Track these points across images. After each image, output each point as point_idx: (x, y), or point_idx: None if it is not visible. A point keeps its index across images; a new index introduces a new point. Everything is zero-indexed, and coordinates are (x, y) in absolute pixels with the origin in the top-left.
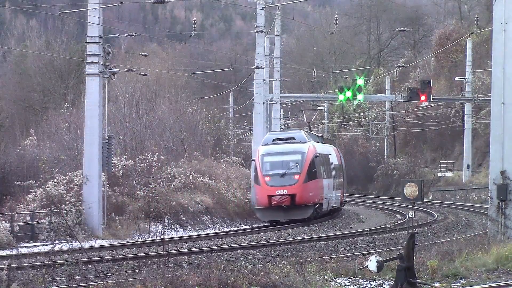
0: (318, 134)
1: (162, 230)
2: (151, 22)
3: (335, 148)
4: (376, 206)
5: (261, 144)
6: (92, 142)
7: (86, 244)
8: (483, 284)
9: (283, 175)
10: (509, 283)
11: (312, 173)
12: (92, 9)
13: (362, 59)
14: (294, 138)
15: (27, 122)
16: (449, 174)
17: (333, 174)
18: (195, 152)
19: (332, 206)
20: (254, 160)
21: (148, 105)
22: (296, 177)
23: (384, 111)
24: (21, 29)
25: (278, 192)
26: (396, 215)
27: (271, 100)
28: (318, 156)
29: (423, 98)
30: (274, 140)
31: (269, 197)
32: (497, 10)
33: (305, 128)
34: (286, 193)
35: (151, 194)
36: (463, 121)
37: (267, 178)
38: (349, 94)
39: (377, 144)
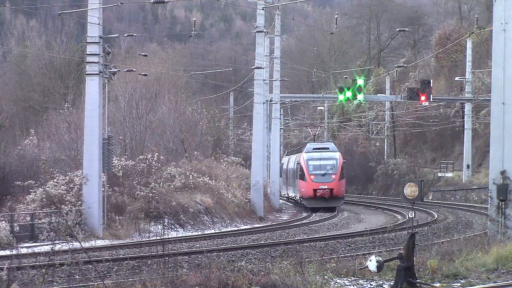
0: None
1: (162, 230)
2: (151, 22)
3: None
4: (376, 206)
5: (304, 151)
6: (92, 142)
7: (86, 244)
8: (483, 284)
9: (323, 174)
10: (509, 283)
11: (342, 174)
12: (92, 9)
13: (362, 59)
14: (328, 148)
15: (27, 122)
16: (449, 174)
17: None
18: (195, 152)
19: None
20: (299, 163)
21: (148, 105)
22: (333, 176)
23: (384, 111)
24: (21, 29)
25: (320, 187)
26: (396, 215)
27: (271, 100)
28: (345, 161)
29: (423, 98)
30: (314, 149)
31: (314, 190)
32: (497, 10)
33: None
34: (327, 188)
35: (151, 194)
36: (463, 121)
37: (312, 176)
38: (349, 94)
39: (377, 144)
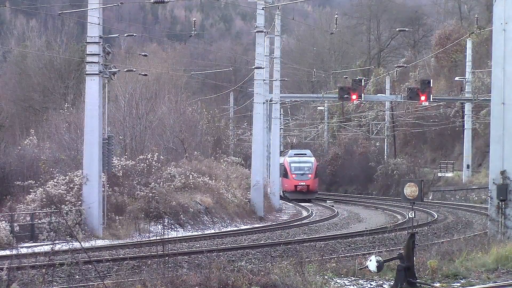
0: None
1: (162, 230)
2: (151, 22)
3: None
4: (376, 206)
5: (287, 156)
6: (92, 142)
7: (86, 244)
8: (483, 284)
9: (302, 174)
10: (509, 283)
11: (316, 174)
12: (92, 9)
13: (362, 59)
14: (306, 154)
15: (27, 122)
16: (449, 174)
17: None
18: (195, 152)
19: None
20: (283, 164)
21: (148, 105)
22: (309, 175)
23: (384, 111)
24: (21, 29)
25: (300, 183)
26: (396, 215)
27: (271, 100)
28: (318, 164)
29: (423, 98)
30: (295, 154)
31: (295, 186)
32: (497, 10)
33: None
34: (305, 184)
35: (151, 194)
36: (463, 121)
37: (294, 175)
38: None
39: (377, 144)
